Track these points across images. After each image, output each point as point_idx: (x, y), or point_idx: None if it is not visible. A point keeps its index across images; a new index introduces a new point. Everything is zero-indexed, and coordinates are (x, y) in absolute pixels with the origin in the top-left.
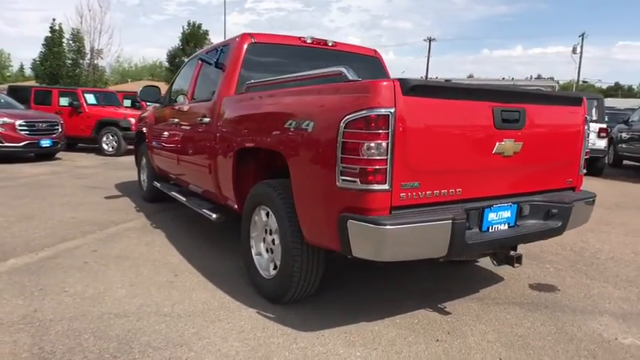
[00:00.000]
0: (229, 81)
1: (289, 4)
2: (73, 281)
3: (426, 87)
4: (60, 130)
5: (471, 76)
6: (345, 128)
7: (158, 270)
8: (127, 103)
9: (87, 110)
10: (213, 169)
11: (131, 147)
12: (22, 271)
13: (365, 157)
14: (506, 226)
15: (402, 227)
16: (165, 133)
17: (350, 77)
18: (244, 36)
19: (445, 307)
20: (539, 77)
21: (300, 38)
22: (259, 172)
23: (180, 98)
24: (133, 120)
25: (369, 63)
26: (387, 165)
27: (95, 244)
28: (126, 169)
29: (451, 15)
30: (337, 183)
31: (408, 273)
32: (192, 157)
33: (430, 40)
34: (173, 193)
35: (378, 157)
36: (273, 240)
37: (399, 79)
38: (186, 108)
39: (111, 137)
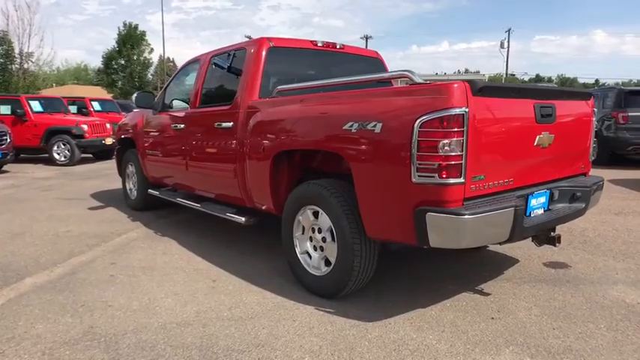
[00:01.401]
0: (252, 86)
1: (218, 2)
2: (112, 295)
3: (489, 87)
4: (8, 140)
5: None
6: (420, 128)
7: (193, 277)
8: (73, 109)
9: (33, 118)
10: (239, 172)
11: (86, 155)
12: (49, 288)
13: (442, 154)
14: (542, 211)
15: (478, 216)
16: (166, 139)
17: (417, 80)
18: (263, 40)
19: (482, 289)
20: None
21: (312, 42)
22: (293, 174)
23: (179, 104)
24: (86, 127)
25: (372, 63)
26: (462, 160)
27: (108, 256)
28: (89, 178)
29: (380, 12)
30: (413, 179)
31: (425, 261)
32: (208, 162)
33: (367, 37)
34: (179, 199)
35: (454, 154)
36: (323, 238)
37: (469, 81)
38: (194, 114)
39: (62, 146)
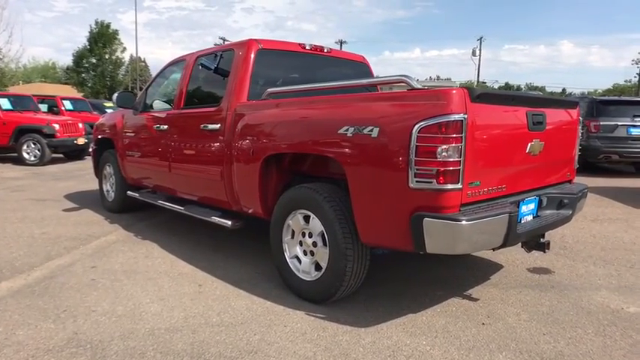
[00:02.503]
0: (240, 87)
1: (191, 3)
2: (95, 300)
3: (486, 95)
4: None
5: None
6: (419, 133)
7: (178, 282)
8: (43, 108)
9: (2, 116)
10: (226, 175)
11: (56, 155)
12: (27, 293)
13: (440, 160)
14: (531, 217)
15: (475, 222)
16: (148, 140)
17: (415, 85)
18: (252, 42)
19: (471, 294)
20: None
21: (300, 44)
22: (282, 177)
23: (161, 104)
24: (57, 126)
25: (359, 67)
26: (460, 166)
27: (88, 260)
28: (62, 178)
29: (353, 18)
30: (410, 184)
31: (410, 265)
32: (192, 164)
33: (341, 42)
34: (161, 202)
35: (452, 159)
36: (314, 243)
37: (467, 88)
38: (178, 115)
39: (32, 145)
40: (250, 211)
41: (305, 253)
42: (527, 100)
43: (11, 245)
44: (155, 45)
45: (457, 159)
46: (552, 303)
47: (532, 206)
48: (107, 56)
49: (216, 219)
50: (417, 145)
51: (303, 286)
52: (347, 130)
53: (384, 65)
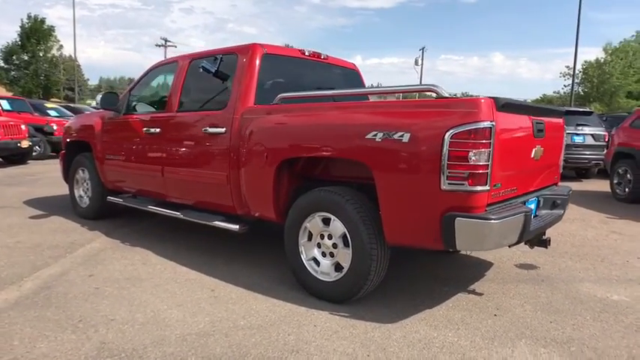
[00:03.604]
0: (247, 92)
1: (125, 1)
2: (109, 309)
3: (508, 104)
4: None
5: None
6: (451, 139)
7: (188, 287)
8: None
9: None
10: (233, 179)
11: None
12: (28, 305)
13: (471, 163)
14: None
15: (502, 221)
16: (135, 143)
17: (443, 94)
18: (257, 46)
19: (474, 290)
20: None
21: (300, 50)
22: (293, 181)
23: (146, 107)
24: None
25: (351, 74)
26: (487, 169)
27: (82, 268)
28: (11, 184)
29: (295, 23)
30: (442, 186)
31: (408, 264)
32: (191, 168)
33: (287, 47)
34: (152, 207)
35: (481, 163)
36: (334, 244)
37: (493, 98)
38: (173, 118)
39: None
40: (257, 214)
41: (324, 254)
42: (532, 110)
43: None
44: (87, 43)
45: (485, 163)
46: (548, 295)
47: (533, 206)
48: (42, 54)
49: (221, 224)
50: (449, 150)
51: (323, 287)
52: (375, 135)
53: None
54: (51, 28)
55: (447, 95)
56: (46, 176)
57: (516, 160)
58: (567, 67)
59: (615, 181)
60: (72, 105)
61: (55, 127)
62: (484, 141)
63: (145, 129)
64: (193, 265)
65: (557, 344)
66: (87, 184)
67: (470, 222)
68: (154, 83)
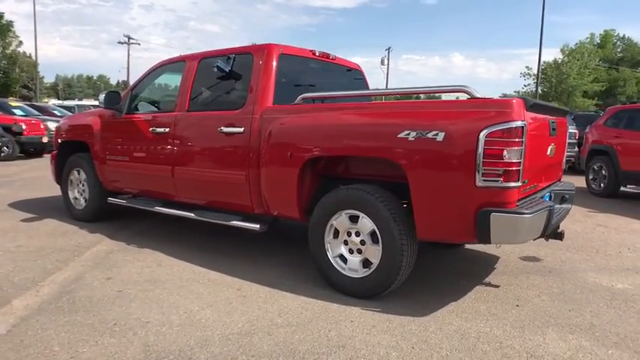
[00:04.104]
0: (266, 91)
1: None
2: (139, 311)
3: (534, 105)
4: None
5: None
6: (486, 137)
7: (212, 288)
8: None
9: None
10: (252, 178)
11: None
12: (53, 310)
13: (505, 161)
14: None
15: (533, 215)
16: (141, 143)
17: (475, 95)
18: (273, 47)
19: (490, 282)
20: None
21: (311, 51)
22: (314, 180)
23: (148, 106)
24: None
25: (356, 75)
26: (520, 167)
27: (97, 272)
28: None
29: (258, 21)
30: (477, 183)
31: (418, 262)
32: (205, 168)
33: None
34: (159, 208)
35: (514, 160)
36: (362, 241)
37: (522, 98)
38: (185, 117)
39: None
40: (276, 213)
41: (351, 251)
42: (548, 109)
43: None
44: (41, 40)
45: (518, 160)
46: (559, 285)
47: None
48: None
49: (240, 223)
50: (484, 148)
51: (351, 283)
52: (408, 134)
53: None
54: (9, 24)
55: (478, 96)
56: (22, 177)
57: (538, 157)
58: (527, 67)
59: (590, 177)
60: (37, 104)
61: (24, 127)
62: (517, 139)
63: (151, 129)
64: (210, 265)
65: (582, 330)
66: (83, 186)
67: (505, 217)
68: (159, 83)
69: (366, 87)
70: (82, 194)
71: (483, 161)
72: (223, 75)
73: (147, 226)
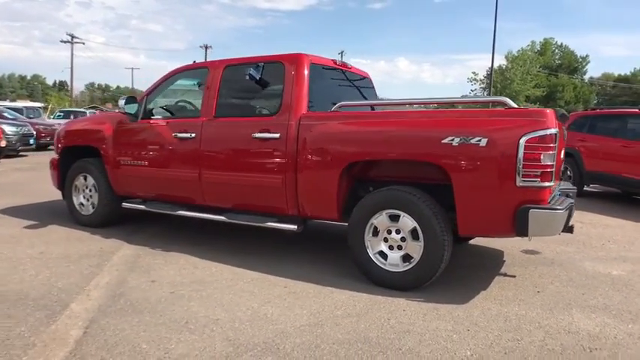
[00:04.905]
0: (300, 99)
1: None
2: (203, 310)
3: (561, 115)
4: None
5: None
6: (526, 143)
7: (260, 286)
8: None
9: None
10: (289, 182)
11: None
12: (116, 312)
13: (542, 163)
14: None
15: (564, 210)
16: (163, 149)
17: (513, 105)
18: (304, 56)
19: (506, 273)
20: None
21: (332, 60)
22: (349, 183)
23: (164, 112)
24: None
25: (366, 81)
26: (553, 168)
27: (135, 275)
28: None
29: (204, 22)
30: (517, 183)
31: None
32: (238, 172)
33: (207, 47)
34: (182, 212)
35: (549, 163)
36: (402, 238)
37: (553, 109)
38: (214, 123)
39: None
40: (311, 214)
41: (391, 247)
42: (559, 117)
43: (24, 268)
44: None
45: (552, 163)
46: (565, 273)
47: None
48: None
49: (277, 225)
50: (524, 153)
51: (393, 277)
52: (452, 140)
53: None
54: None
55: (515, 106)
56: None
57: (559, 159)
58: (474, 73)
59: None
60: None
61: None
62: (551, 144)
63: (175, 134)
64: (246, 265)
65: (600, 310)
66: (90, 191)
67: (543, 212)
68: (180, 89)
69: (375, 94)
70: (88, 200)
71: (523, 164)
72: (253, 82)
73: (158, 229)
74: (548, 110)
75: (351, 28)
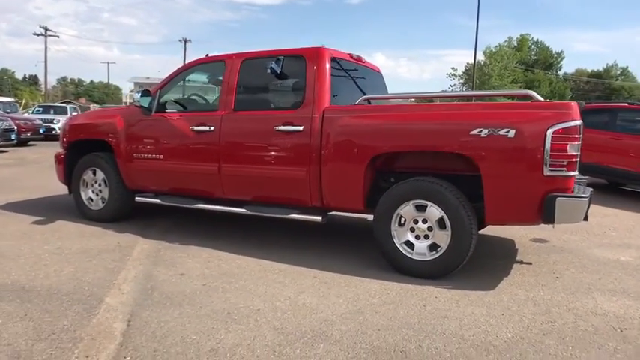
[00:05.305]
0: (323, 92)
1: None
2: (242, 301)
3: (585, 108)
4: None
5: None
6: (552, 134)
7: (289, 277)
8: None
9: None
10: (313, 174)
11: None
12: (153, 304)
13: (568, 153)
14: None
15: (587, 198)
16: (181, 143)
17: (539, 98)
18: (325, 50)
19: (522, 260)
20: None
21: (349, 54)
22: (372, 174)
23: (177, 105)
24: None
25: (378, 75)
26: (577, 158)
27: (161, 269)
28: None
29: (179, 15)
30: (545, 173)
31: None
32: (261, 165)
33: (185, 41)
34: (200, 205)
35: (574, 153)
36: (429, 227)
37: (577, 102)
38: (234, 116)
39: None
40: (334, 205)
41: (417, 237)
42: None
43: (46, 263)
44: None
45: (577, 153)
46: (576, 260)
47: None
48: None
49: (302, 216)
50: (551, 144)
51: (420, 266)
52: (480, 131)
53: None
54: None
55: (541, 99)
56: None
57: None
58: (453, 68)
59: None
60: None
61: None
62: (576, 135)
63: (192, 127)
64: (270, 257)
65: (619, 293)
66: (100, 186)
67: (569, 200)
68: (195, 83)
69: (386, 88)
70: (98, 194)
71: (550, 154)
72: (271, 76)
73: (171, 224)
74: (573, 103)
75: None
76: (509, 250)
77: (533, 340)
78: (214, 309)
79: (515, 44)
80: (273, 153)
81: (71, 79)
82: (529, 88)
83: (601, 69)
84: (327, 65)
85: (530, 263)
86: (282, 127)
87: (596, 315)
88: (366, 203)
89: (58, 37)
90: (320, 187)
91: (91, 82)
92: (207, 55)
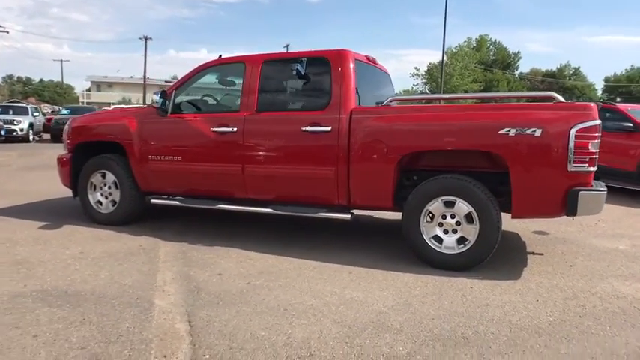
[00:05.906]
0: (349, 93)
1: None
2: (292, 298)
3: (601, 108)
4: None
5: (175, 77)
6: (576, 133)
7: (327, 273)
8: None
9: None
10: (341, 173)
11: None
12: (206, 305)
13: (590, 151)
14: None
15: (605, 192)
16: (202, 144)
17: (562, 100)
18: (349, 52)
19: (533, 251)
20: None
21: (366, 56)
22: (399, 172)
23: (189, 107)
24: None
25: (387, 77)
26: (597, 155)
27: (196, 270)
28: None
29: (133, 12)
30: (569, 169)
31: None
32: (288, 165)
33: (146, 38)
34: (222, 206)
35: (594, 150)
36: (457, 222)
37: (595, 103)
38: (258, 118)
39: None
40: (361, 204)
41: (445, 231)
42: None
43: (76, 268)
44: None
45: (596, 150)
46: (581, 249)
47: None
48: None
49: (330, 215)
50: (574, 142)
51: (449, 259)
52: (509, 131)
53: (169, 65)
54: None
55: (563, 100)
56: None
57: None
58: (416, 68)
59: None
60: None
61: None
62: (596, 134)
63: (213, 129)
64: (300, 255)
65: (628, 278)
66: (109, 188)
67: (591, 194)
68: (210, 84)
69: (393, 89)
70: (107, 197)
71: (574, 151)
72: (294, 78)
73: (184, 223)
74: (592, 104)
75: (288, 23)
76: (517, 242)
77: (573, 322)
78: (269, 306)
79: (475, 44)
80: (299, 153)
81: (18, 77)
82: (488, 88)
83: (554, 69)
84: (352, 66)
85: (542, 254)
86: (309, 128)
87: (618, 298)
88: (394, 201)
89: (8, 32)
90: (348, 186)
91: (41, 80)
92: (220, 56)
